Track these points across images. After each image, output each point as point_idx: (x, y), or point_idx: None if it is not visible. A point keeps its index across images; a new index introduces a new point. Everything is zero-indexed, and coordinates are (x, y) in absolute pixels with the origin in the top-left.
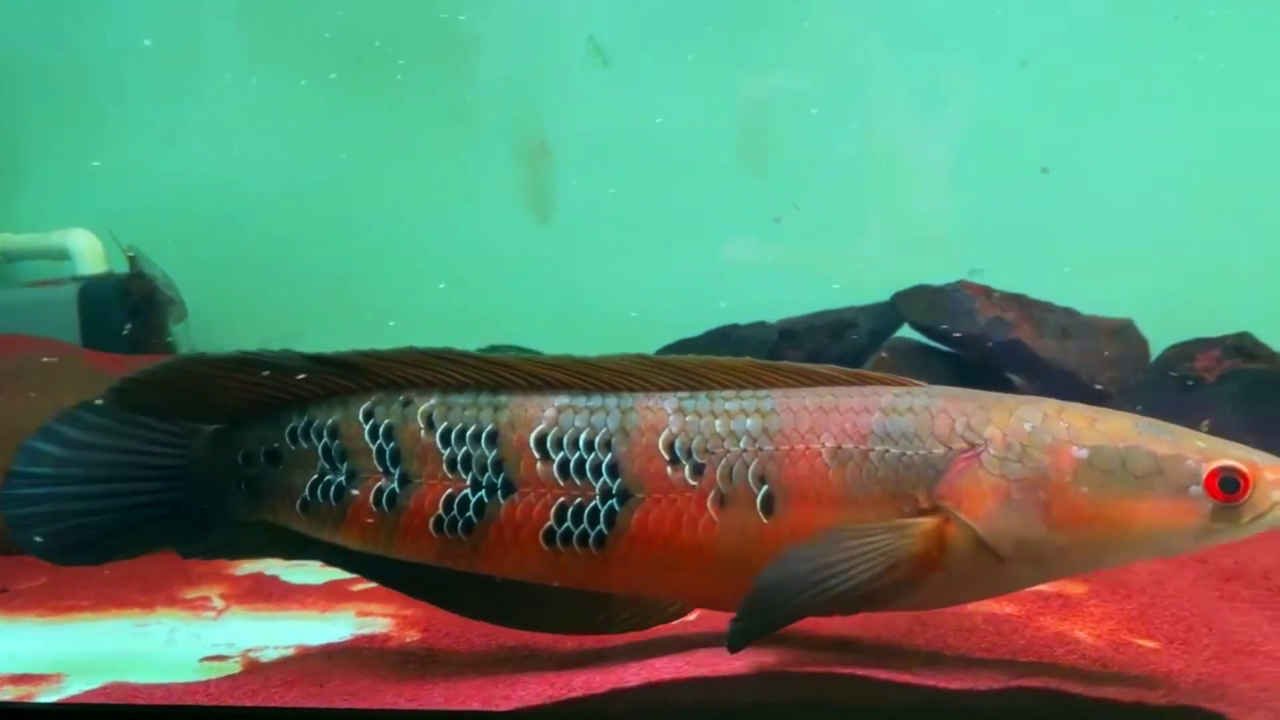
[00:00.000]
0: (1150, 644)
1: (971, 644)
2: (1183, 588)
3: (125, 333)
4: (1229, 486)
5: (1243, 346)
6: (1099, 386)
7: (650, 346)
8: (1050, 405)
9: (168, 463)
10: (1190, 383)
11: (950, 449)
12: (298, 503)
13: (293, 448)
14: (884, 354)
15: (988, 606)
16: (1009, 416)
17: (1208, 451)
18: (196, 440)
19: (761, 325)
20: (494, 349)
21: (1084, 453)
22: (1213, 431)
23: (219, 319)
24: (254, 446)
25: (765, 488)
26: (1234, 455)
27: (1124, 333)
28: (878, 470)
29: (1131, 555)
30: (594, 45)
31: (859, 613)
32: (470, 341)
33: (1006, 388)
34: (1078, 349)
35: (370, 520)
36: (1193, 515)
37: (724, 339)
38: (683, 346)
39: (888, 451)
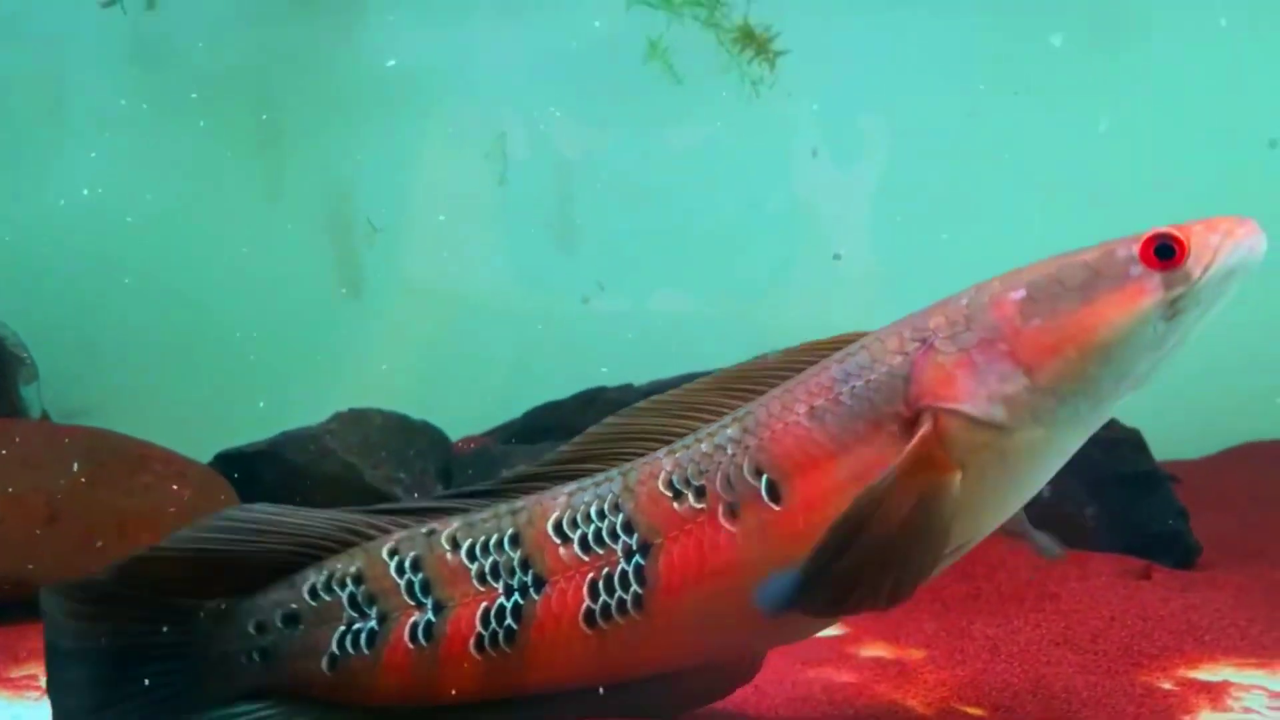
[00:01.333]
0: (978, 712)
1: (805, 713)
2: (1015, 653)
3: None
4: (1165, 253)
5: None
6: None
7: (516, 410)
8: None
9: (168, 640)
10: None
11: (907, 354)
12: (324, 660)
13: (314, 604)
14: None
15: (826, 674)
16: (946, 304)
17: (1132, 236)
18: (200, 616)
19: (628, 388)
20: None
21: (1021, 293)
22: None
23: (68, 379)
24: (268, 613)
25: (764, 477)
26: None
27: None
28: (853, 407)
29: (1120, 362)
30: (498, 149)
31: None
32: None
33: None
34: None
35: (408, 659)
36: (1145, 293)
37: (591, 402)
38: (550, 408)
39: (854, 387)
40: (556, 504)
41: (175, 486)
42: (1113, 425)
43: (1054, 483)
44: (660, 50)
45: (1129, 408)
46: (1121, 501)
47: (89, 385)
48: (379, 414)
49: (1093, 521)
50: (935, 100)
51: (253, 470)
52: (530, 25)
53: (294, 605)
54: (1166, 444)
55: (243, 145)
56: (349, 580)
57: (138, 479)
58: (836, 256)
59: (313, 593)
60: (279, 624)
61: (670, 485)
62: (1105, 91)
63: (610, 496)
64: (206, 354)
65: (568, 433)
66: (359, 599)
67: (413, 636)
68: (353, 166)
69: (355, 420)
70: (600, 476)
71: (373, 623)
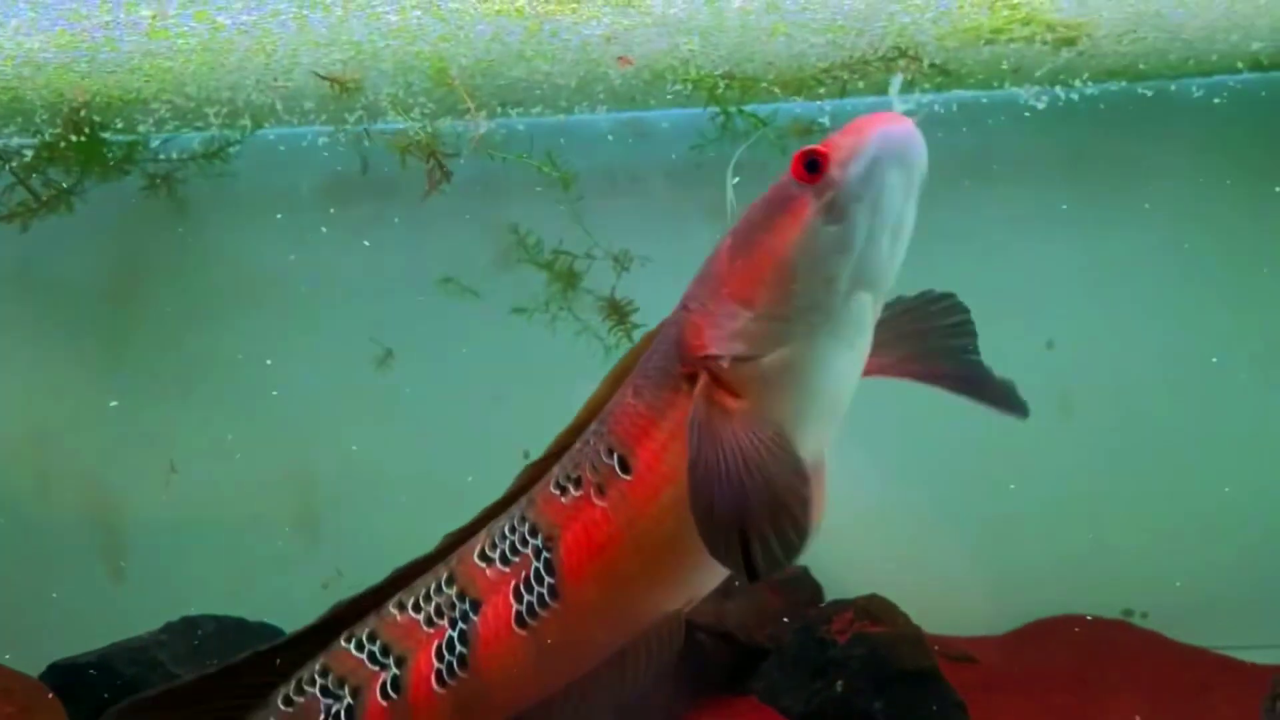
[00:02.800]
0: None
1: None
2: None
3: None
4: (812, 167)
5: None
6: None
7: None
8: None
9: None
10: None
11: (677, 323)
12: None
13: (289, 710)
14: None
15: None
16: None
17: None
18: None
19: None
20: None
21: (728, 240)
22: None
23: None
24: None
25: (615, 454)
26: None
27: (793, 584)
28: (657, 378)
29: (810, 271)
30: None
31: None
32: None
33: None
34: (737, 609)
35: (386, 716)
36: (804, 206)
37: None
38: None
39: (654, 361)
40: (478, 538)
41: None
42: (897, 622)
43: (847, 680)
44: None
45: (947, 582)
46: (905, 697)
47: None
48: (212, 620)
49: (881, 715)
50: None
51: (82, 682)
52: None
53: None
54: (974, 619)
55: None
56: (316, 676)
57: None
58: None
59: (286, 700)
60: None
61: (557, 484)
62: None
63: (518, 513)
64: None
65: None
66: (330, 686)
67: (384, 694)
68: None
69: (185, 628)
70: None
71: (348, 699)
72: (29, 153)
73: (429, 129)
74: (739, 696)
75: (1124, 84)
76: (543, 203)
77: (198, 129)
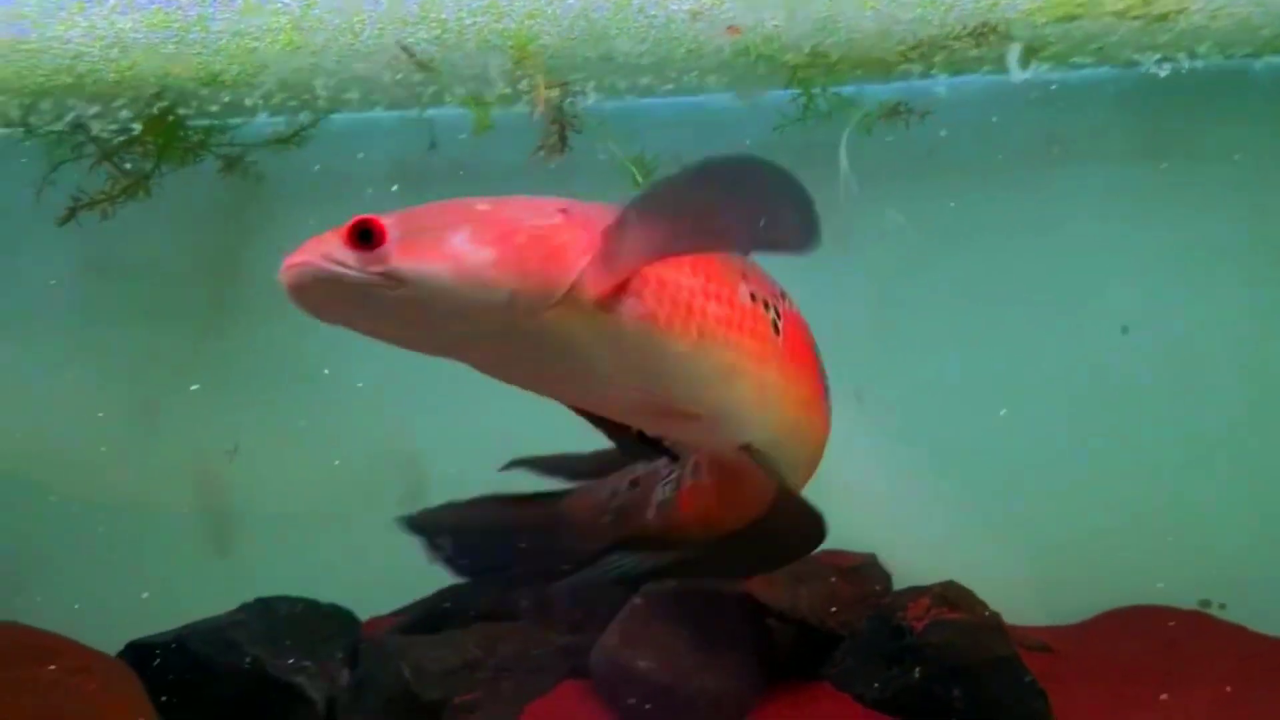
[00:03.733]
0: None
1: None
2: None
3: None
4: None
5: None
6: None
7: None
8: None
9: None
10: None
11: None
12: (650, 510)
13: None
14: (638, 600)
15: None
16: None
17: None
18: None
19: None
20: None
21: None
22: None
23: None
24: (620, 482)
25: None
26: None
27: (863, 570)
28: None
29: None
30: None
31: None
32: None
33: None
34: (809, 595)
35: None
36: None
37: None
38: (457, 590)
39: None
40: None
41: (81, 682)
42: (975, 609)
43: (924, 667)
44: None
45: (1016, 572)
46: (985, 685)
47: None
48: (287, 601)
49: (960, 703)
50: None
51: (161, 661)
52: None
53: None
54: (1047, 608)
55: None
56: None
57: (42, 674)
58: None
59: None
60: (626, 489)
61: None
62: None
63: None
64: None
65: (469, 616)
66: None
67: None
68: None
69: (263, 609)
70: None
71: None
72: (109, 138)
73: (551, 98)
74: (812, 683)
75: (1216, 60)
76: (611, 188)
77: (272, 113)
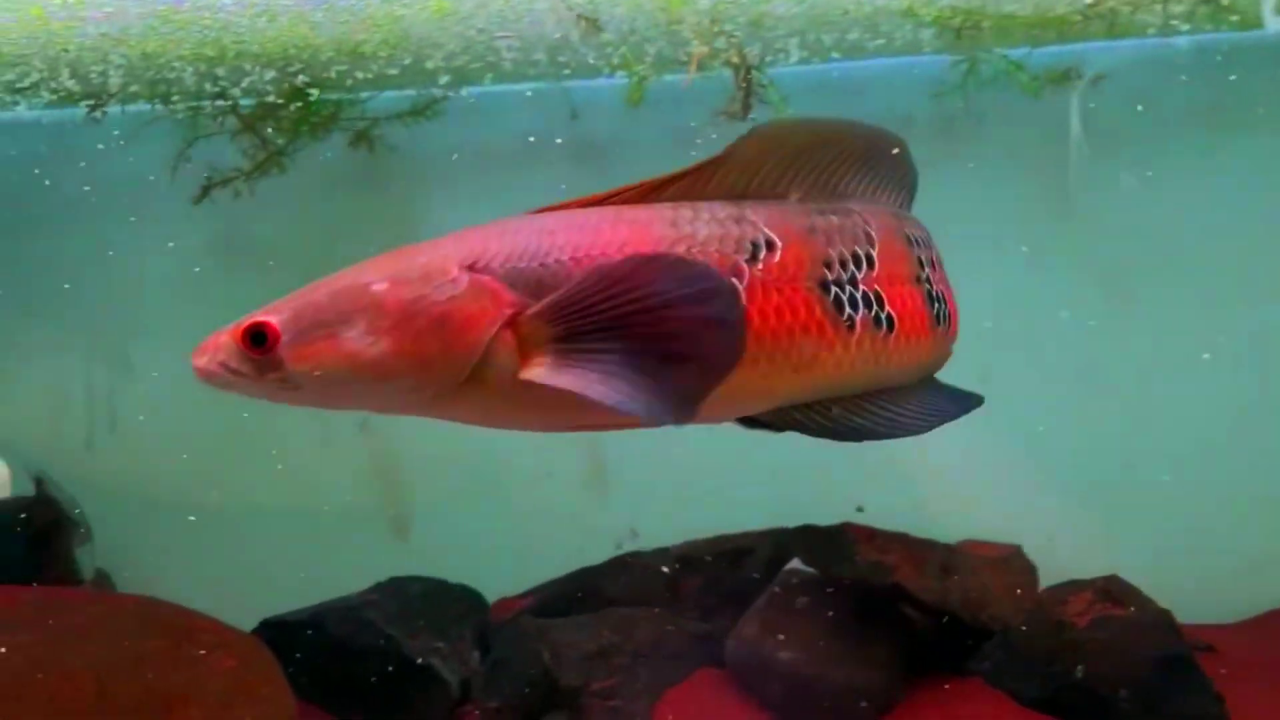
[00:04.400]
0: None
1: None
2: None
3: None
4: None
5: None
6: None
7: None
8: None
9: None
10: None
11: None
12: None
13: None
14: (777, 589)
15: None
16: None
17: None
18: None
19: (663, 552)
20: None
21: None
22: None
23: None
24: None
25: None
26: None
27: (1010, 562)
28: None
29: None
30: None
31: None
32: None
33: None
34: (959, 588)
35: None
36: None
37: (625, 566)
38: (585, 573)
39: None
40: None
41: (220, 658)
42: (1142, 605)
43: (1088, 665)
44: None
45: (1169, 570)
46: (1154, 685)
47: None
48: (418, 581)
49: (1126, 704)
50: None
51: (294, 639)
52: None
53: None
54: (1204, 606)
55: None
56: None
57: (184, 651)
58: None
59: None
60: None
61: None
62: None
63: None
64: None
65: (599, 602)
66: None
67: None
68: None
69: (396, 588)
70: None
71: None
72: (248, 111)
73: (735, 57)
74: (960, 678)
75: None
76: None
77: (403, 86)
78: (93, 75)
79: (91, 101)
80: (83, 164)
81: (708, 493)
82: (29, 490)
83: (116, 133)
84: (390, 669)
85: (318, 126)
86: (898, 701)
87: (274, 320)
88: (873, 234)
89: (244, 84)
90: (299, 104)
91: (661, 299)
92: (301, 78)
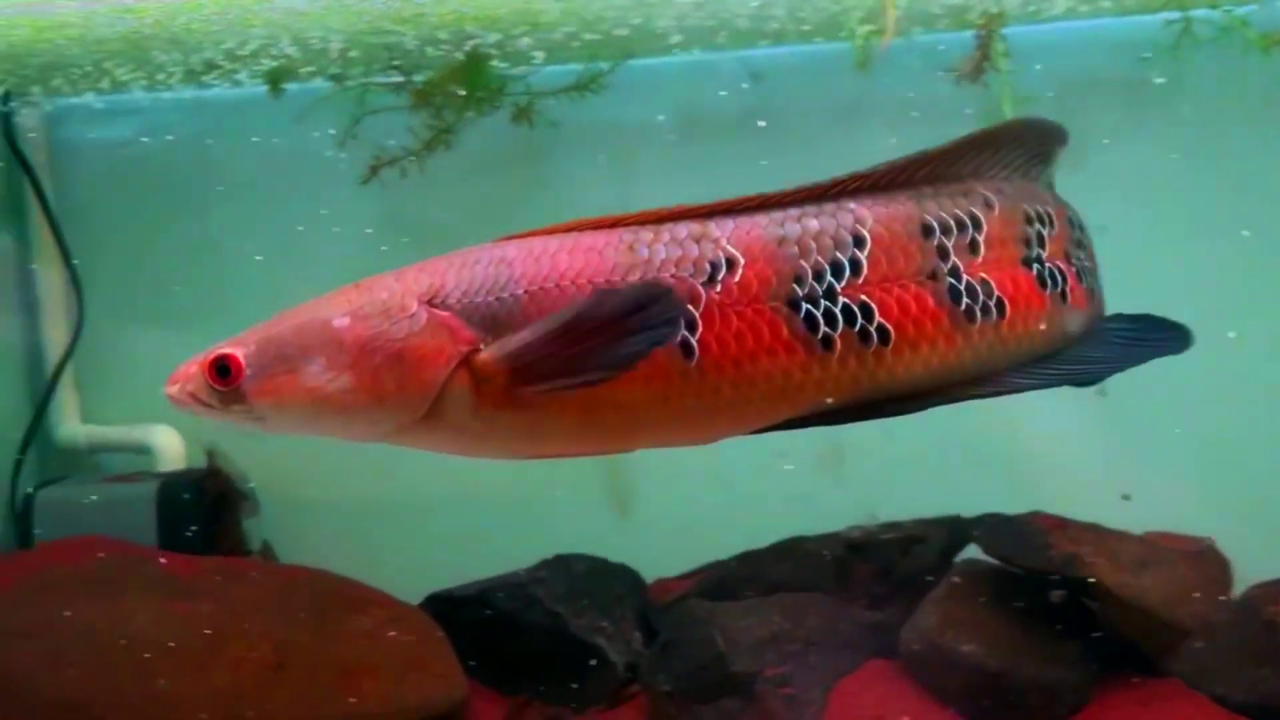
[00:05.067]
0: None
1: None
2: None
3: (192, 533)
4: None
5: None
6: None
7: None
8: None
9: None
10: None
11: None
12: None
13: None
14: (956, 578)
15: None
16: None
17: None
18: None
19: (830, 537)
20: None
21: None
22: None
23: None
24: None
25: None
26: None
27: (1205, 556)
28: None
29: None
30: None
31: None
32: None
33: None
34: (1155, 582)
35: None
36: None
37: (790, 552)
38: (748, 557)
39: None
40: None
41: (392, 632)
42: None
43: None
44: None
45: None
46: None
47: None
48: (581, 559)
49: None
50: None
51: (460, 615)
52: None
53: None
54: None
55: None
56: None
57: (357, 623)
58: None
59: None
60: None
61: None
62: None
63: None
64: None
65: (764, 586)
66: None
67: None
68: None
69: (561, 566)
70: None
71: None
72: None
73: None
74: (1156, 679)
75: None
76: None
77: (564, 60)
78: (272, 50)
79: (271, 79)
80: (255, 139)
81: (936, 475)
82: (201, 463)
83: (291, 110)
84: (557, 647)
85: (484, 102)
86: (1085, 701)
87: (238, 353)
88: (865, 235)
89: (420, 58)
90: (474, 77)
91: (610, 336)
92: (477, 47)
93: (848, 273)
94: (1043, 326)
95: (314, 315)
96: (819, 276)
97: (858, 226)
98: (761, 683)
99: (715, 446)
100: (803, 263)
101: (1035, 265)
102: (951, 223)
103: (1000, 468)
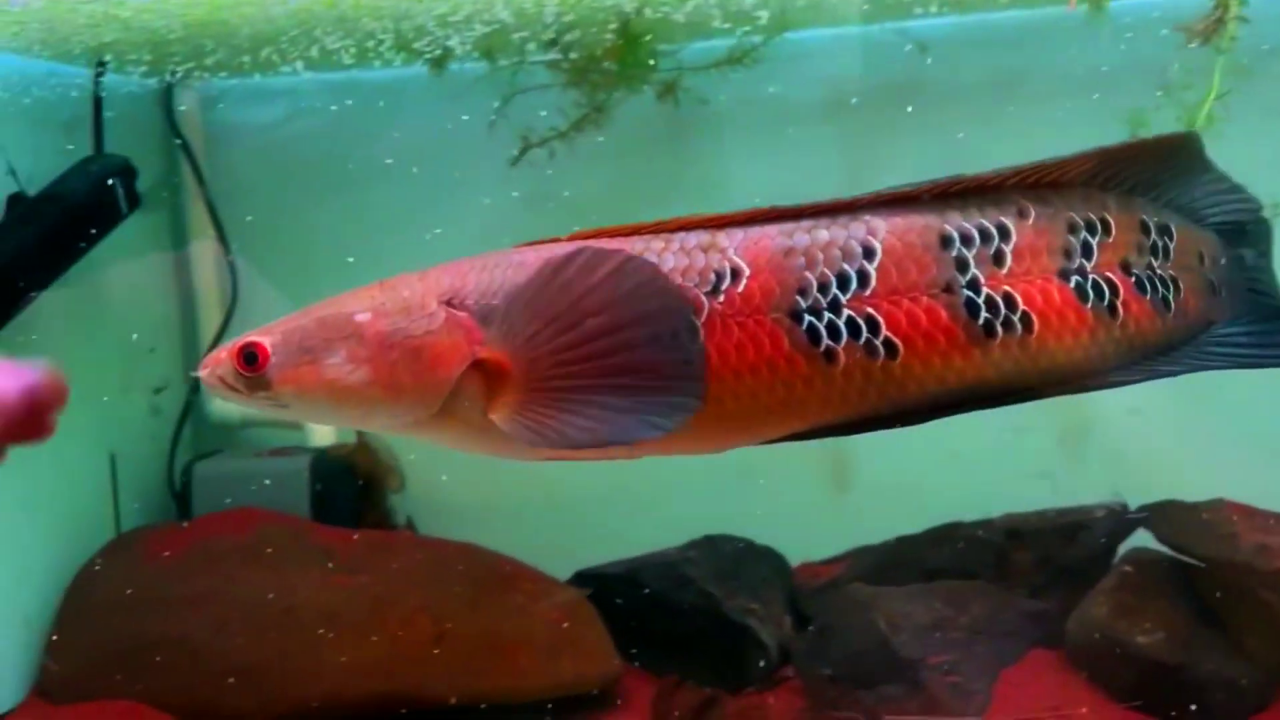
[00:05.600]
0: None
1: None
2: None
3: (342, 507)
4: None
5: None
6: None
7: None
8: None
9: None
10: None
11: None
12: None
13: None
14: (1128, 568)
15: None
16: None
17: None
18: None
19: (987, 523)
20: None
21: None
22: None
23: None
24: None
25: None
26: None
27: None
28: None
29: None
30: None
31: None
32: None
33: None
34: None
35: None
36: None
37: (946, 537)
38: (903, 543)
39: None
40: None
41: (545, 608)
42: None
43: None
44: None
45: None
46: None
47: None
48: (729, 540)
49: None
50: None
51: (609, 592)
52: None
53: None
54: None
55: None
56: None
57: (510, 599)
58: None
59: None
60: None
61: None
62: None
63: None
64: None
65: (920, 572)
66: None
67: None
68: None
69: (710, 546)
70: None
71: None
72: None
73: None
74: None
75: None
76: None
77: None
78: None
79: (431, 59)
80: (411, 120)
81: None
82: (351, 439)
83: (445, 91)
84: (709, 628)
85: (634, 79)
86: (1271, 700)
87: (265, 342)
88: (876, 246)
89: (569, 37)
90: (631, 54)
91: (619, 339)
92: (631, 23)
93: (855, 285)
94: (1084, 340)
95: (339, 309)
96: (824, 288)
97: (869, 238)
98: (926, 670)
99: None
100: (808, 274)
101: (1076, 277)
102: (975, 233)
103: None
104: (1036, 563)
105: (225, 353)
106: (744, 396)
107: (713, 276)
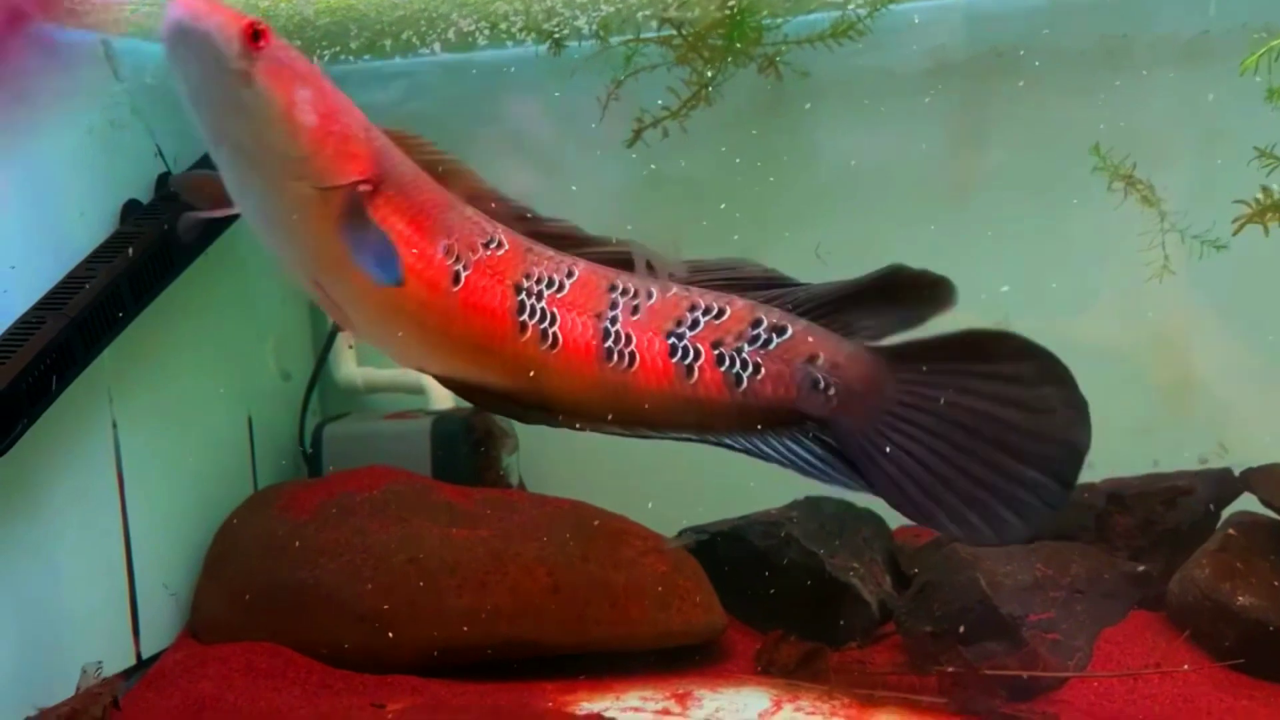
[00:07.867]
0: None
1: None
2: None
3: (461, 466)
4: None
5: None
6: None
7: None
8: None
9: None
10: None
11: None
12: None
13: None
14: (1232, 530)
15: None
16: None
17: None
18: None
19: (1089, 486)
20: None
21: None
22: None
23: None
24: None
25: None
26: None
27: None
28: None
29: None
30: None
31: None
32: None
33: None
34: None
35: None
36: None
37: None
38: None
39: None
40: None
41: (653, 562)
42: None
43: None
44: None
45: None
46: None
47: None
48: (830, 501)
49: None
50: None
51: (713, 549)
52: None
53: None
54: None
55: None
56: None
57: (620, 553)
58: None
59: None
60: None
61: None
62: None
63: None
64: None
65: None
66: None
67: None
68: None
69: (811, 507)
70: None
71: None
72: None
73: None
74: None
75: None
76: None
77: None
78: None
79: (550, 39)
80: (525, 99)
81: None
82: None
83: (558, 70)
84: (812, 585)
85: (741, 54)
86: None
87: (270, 30)
88: (576, 272)
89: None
90: (737, 26)
91: None
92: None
93: (554, 289)
94: (665, 386)
95: (321, 77)
96: (540, 281)
97: (573, 267)
98: (1027, 627)
99: None
100: (535, 268)
101: (673, 339)
102: (632, 289)
103: None
104: (1138, 526)
105: (233, 15)
106: (472, 319)
107: (488, 237)
